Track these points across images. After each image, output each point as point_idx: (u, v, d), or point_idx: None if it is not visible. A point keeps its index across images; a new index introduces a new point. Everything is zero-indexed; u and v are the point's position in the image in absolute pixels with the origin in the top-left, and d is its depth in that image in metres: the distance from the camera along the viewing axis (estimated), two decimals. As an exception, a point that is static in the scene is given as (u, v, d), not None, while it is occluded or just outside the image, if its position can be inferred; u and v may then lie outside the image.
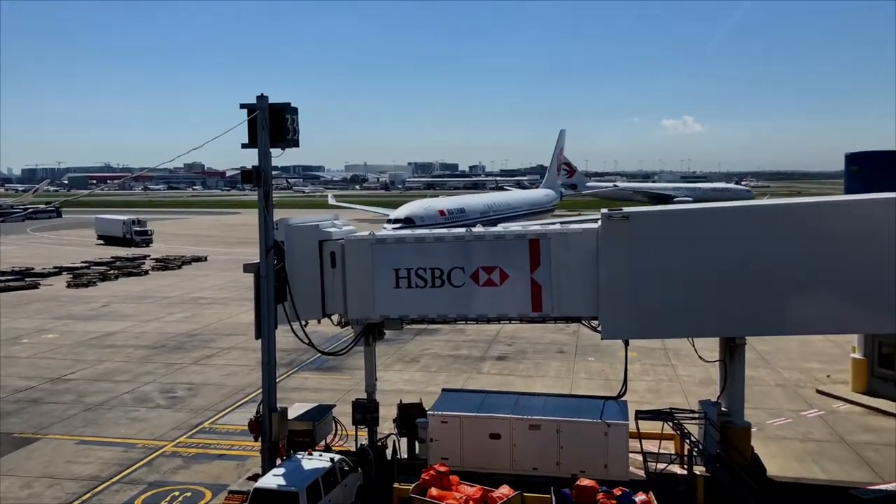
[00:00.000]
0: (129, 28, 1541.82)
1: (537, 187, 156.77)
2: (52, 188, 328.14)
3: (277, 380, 25.07)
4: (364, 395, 26.78)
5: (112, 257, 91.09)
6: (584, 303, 23.84)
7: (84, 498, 25.27)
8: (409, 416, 26.54)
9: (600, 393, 30.21)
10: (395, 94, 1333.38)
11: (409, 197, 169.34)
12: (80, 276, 75.02)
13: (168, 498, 25.09)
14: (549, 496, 21.68)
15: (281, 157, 23.93)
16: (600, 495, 21.04)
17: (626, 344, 24.99)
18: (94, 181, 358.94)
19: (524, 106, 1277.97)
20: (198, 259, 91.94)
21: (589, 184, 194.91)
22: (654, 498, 21.52)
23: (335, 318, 26.13)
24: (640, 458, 24.96)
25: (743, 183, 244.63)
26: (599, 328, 24.27)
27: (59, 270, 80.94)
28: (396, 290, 24.77)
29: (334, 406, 27.90)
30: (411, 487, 22.18)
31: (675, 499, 22.95)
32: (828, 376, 37.60)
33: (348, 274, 25.07)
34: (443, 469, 22.29)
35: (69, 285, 72.01)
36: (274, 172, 24.92)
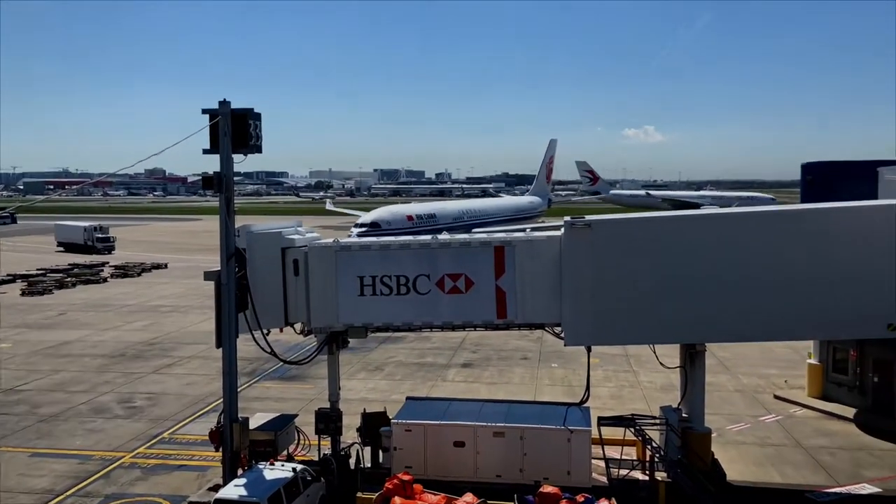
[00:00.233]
0: (88, 29, 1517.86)
1: (523, 194, 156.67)
2: (6, 193, 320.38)
3: (239, 389, 24.79)
4: (327, 405, 26.57)
5: (69, 264, 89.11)
6: (547, 310, 24.03)
7: (38, 512, 24.63)
8: (373, 425, 26.40)
9: (564, 399, 30.41)
10: (360, 100, 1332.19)
11: (376, 204, 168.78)
12: (35, 284, 73.19)
13: (126, 510, 24.58)
14: (512, 503, 21.73)
15: (244, 163, 23.73)
16: (563, 502, 21.16)
17: (589, 350, 25.19)
18: (52, 187, 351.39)
19: (489, 115, 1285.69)
20: (158, 266, 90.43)
21: (613, 191, 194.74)
22: (616, 504, 21.70)
23: (298, 326, 25.89)
24: (602, 464, 25.17)
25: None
26: (563, 335, 24.46)
27: (13, 278, 78.84)
28: (361, 298, 24.65)
29: (297, 415, 27.63)
30: (374, 497, 22.07)
31: (637, 504, 23.15)
32: (785, 382, 38.35)
33: (311, 282, 24.87)
34: (406, 478, 22.22)
35: (23, 293, 70.18)
36: (237, 179, 24.66)
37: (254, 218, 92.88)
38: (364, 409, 27.57)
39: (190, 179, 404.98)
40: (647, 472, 25.01)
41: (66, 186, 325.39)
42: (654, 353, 26.01)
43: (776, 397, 36.06)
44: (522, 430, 24.29)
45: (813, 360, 35.92)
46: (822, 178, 38.20)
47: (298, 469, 22.85)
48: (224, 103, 22.88)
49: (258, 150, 23.54)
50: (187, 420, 33.56)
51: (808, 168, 39.93)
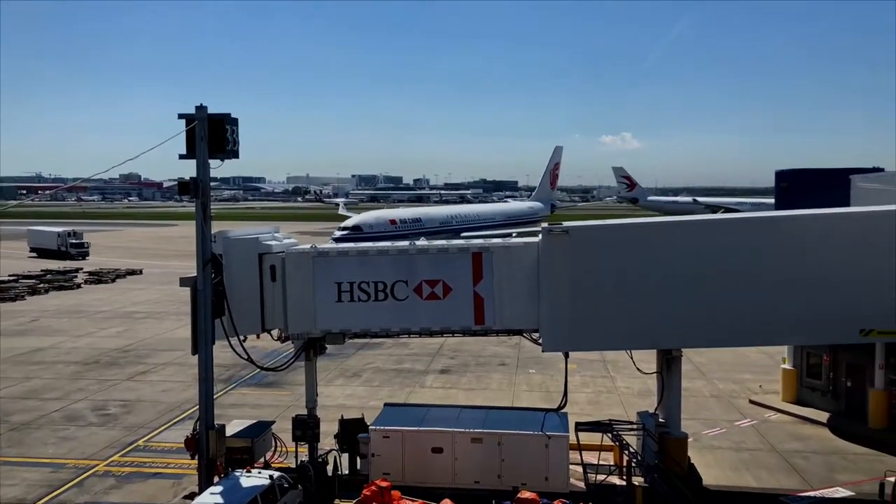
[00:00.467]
0: (62, 30, 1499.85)
1: (527, 199, 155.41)
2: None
3: (215, 396, 24.58)
4: (304, 411, 26.42)
5: (42, 270, 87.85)
6: (525, 316, 24.09)
7: (8, 522, 24.23)
8: (351, 432, 26.32)
9: (541, 405, 30.48)
10: (337, 106, 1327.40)
11: (355, 209, 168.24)
12: (6, 290, 71.99)
13: (99, 520, 24.25)
14: (490, 509, 21.76)
15: (220, 169, 23.61)
16: (541, 507, 21.19)
17: (567, 356, 25.31)
18: (24, 191, 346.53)
19: (467, 121, 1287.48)
20: (133, 272, 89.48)
21: (651, 197, 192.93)
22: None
23: (275, 332, 25.73)
24: (580, 469, 25.28)
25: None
26: (540, 341, 24.55)
27: (-15, 284, 77.59)
28: (338, 304, 24.57)
29: (274, 422, 27.45)
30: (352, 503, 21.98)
31: (614, 509, 23.27)
32: (760, 387, 38.76)
33: (289, 288, 24.74)
34: (384, 484, 22.15)
35: (-5, 299, 69.13)
36: (214, 184, 24.50)
37: (230, 224, 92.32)
38: (342, 416, 27.47)
39: (166, 185, 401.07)
40: (625, 477, 25.15)
41: (40, 191, 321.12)
42: (632, 358, 26.19)
43: (751, 402, 36.44)
44: (500, 435, 24.33)
45: (787, 365, 36.36)
46: (796, 186, 38.81)
47: (275, 476, 22.68)
48: (201, 108, 22.73)
49: (235, 155, 23.41)
50: (162, 427, 33.19)
51: (781, 175, 40.54)
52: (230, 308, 23.97)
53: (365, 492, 21.85)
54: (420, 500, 21.88)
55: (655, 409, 26.49)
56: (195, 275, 23.46)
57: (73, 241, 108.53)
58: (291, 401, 35.12)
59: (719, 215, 29.13)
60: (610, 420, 25.84)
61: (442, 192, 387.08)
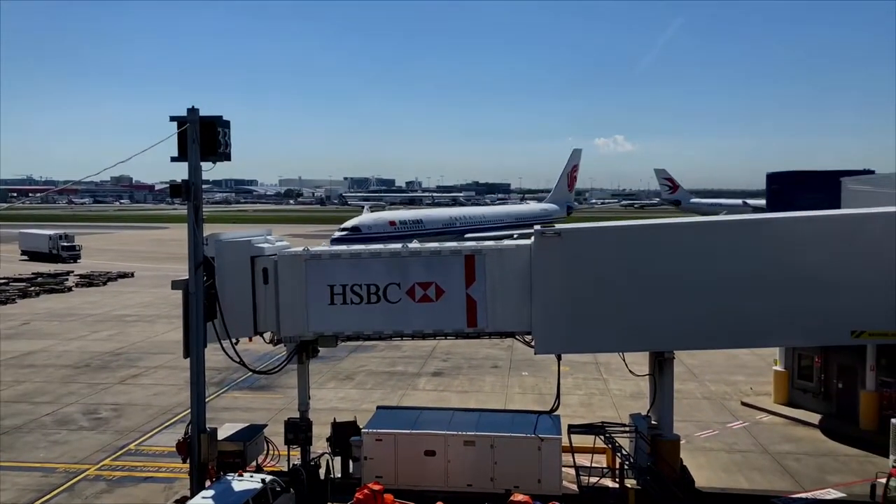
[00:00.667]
0: (52, 31, 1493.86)
1: (544, 201, 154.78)
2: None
3: (207, 399, 24.49)
4: (297, 414, 26.35)
5: (33, 273, 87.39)
6: (517, 318, 24.10)
7: (-2, 527, 24.07)
8: (344, 435, 26.27)
9: (534, 407, 30.46)
10: (329, 108, 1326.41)
11: (348, 211, 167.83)
12: (-3, 293, 71.72)
13: (90, 524, 24.11)
14: (483, 512, 21.74)
15: (212, 171, 23.56)
16: (534, 510, 21.18)
17: (559, 358, 25.32)
18: (15, 194, 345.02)
19: (460, 124, 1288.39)
20: (124, 275, 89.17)
21: (693, 200, 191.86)
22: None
23: (267, 335, 25.67)
24: (572, 471, 25.30)
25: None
26: (533, 343, 24.56)
27: (-25, 287, 77.18)
28: (331, 307, 24.52)
29: (266, 426, 27.33)
30: (345, 507, 21.92)
31: (606, 512, 23.28)
32: (751, 388, 38.89)
33: (281, 290, 24.69)
34: (377, 487, 22.11)
35: (-15, 303, 68.77)
36: (206, 187, 24.45)
37: (223, 226, 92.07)
38: (334, 419, 27.41)
39: (157, 187, 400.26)
40: (617, 479, 25.17)
41: (31, 194, 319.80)
42: (624, 360, 26.23)
43: (743, 404, 36.54)
44: (493, 438, 24.32)
45: (779, 367, 36.49)
46: (787, 188, 39.08)
47: (267, 480, 22.58)
48: (192, 111, 22.68)
49: (227, 157, 23.36)
50: (154, 431, 33.05)
51: (773, 178, 40.80)
52: (222, 311, 23.90)
53: (357, 495, 21.79)
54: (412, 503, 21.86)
55: (648, 412, 26.54)
56: (187, 277, 23.40)
57: (65, 243, 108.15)
58: (284, 404, 35.02)
59: (710, 217, 29.20)
60: (602, 422, 25.87)
61: (434, 194, 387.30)
